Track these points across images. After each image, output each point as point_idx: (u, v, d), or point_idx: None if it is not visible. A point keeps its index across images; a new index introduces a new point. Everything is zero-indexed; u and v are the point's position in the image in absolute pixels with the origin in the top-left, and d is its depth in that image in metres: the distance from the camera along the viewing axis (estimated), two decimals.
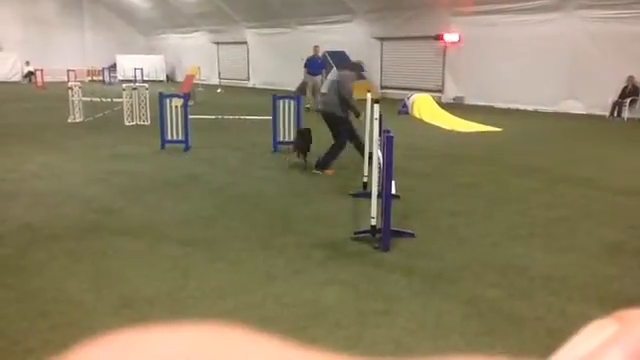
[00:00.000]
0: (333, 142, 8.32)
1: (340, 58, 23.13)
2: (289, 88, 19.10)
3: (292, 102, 10.07)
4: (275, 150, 10.00)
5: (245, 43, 31.16)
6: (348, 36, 23.89)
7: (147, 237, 5.45)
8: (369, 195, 5.73)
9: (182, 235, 5.53)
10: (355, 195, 6.89)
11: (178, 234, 5.56)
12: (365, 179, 7.01)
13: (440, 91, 20.81)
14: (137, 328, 0.24)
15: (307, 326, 3.70)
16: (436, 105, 16.26)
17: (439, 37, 20.72)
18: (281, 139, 10.06)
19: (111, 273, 4.60)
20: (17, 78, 33.40)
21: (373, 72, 23.37)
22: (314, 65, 17.41)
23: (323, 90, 9.37)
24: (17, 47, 33.98)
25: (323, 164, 8.27)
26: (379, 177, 5.33)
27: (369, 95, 6.76)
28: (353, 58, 23.15)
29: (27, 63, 33.30)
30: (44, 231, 5.62)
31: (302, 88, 18.35)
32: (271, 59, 28.57)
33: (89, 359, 0.23)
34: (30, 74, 32.22)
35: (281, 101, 10.11)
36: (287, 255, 4.99)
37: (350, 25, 24.34)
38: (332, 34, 24.42)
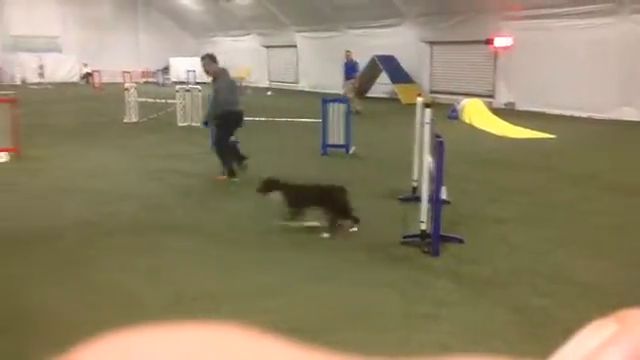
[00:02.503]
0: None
1: (389, 62, 23.10)
2: (337, 91, 19.17)
3: (342, 105, 10.14)
4: (324, 153, 10.08)
5: (294, 46, 31.44)
6: (397, 40, 23.79)
7: (198, 235, 5.60)
8: (418, 200, 5.74)
9: (231, 234, 5.66)
10: (404, 199, 6.89)
11: (227, 233, 5.69)
12: (414, 184, 7.00)
13: (491, 96, 20.47)
14: (138, 328, 0.24)
15: (352, 328, 3.74)
16: (487, 110, 16.03)
17: (489, 41, 20.42)
18: (330, 142, 10.13)
19: (164, 269, 4.76)
20: (75, 79, 34.63)
21: (422, 76, 23.22)
22: (347, 69, 17.70)
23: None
24: (76, 49, 35.26)
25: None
26: (429, 182, 5.33)
27: (420, 99, 6.75)
28: (403, 62, 23.15)
29: (85, 65, 34.50)
30: (101, 227, 5.84)
31: (357, 91, 18.50)
32: (320, 62, 28.70)
33: (91, 359, 0.23)
34: (87, 75, 33.38)
35: (330, 104, 10.19)
36: (333, 257, 5.04)
37: (399, 29, 24.25)
38: (381, 38, 24.38)
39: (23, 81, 32.39)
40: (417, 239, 5.27)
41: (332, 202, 5.73)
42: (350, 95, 16.71)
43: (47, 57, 34.76)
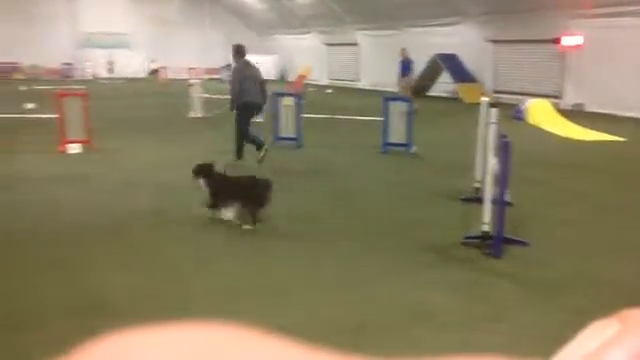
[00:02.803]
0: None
1: (451, 61, 22.78)
2: (394, 89, 19.10)
3: (403, 104, 10.10)
4: (384, 151, 10.06)
5: (355, 44, 31.45)
6: (459, 38, 23.43)
7: (257, 229, 5.70)
8: (480, 200, 5.66)
9: (290, 229, 5.75)
10: (465, 200, 6.81)
11: (287, 228, 5.79)
12: (477, 184, 6.91)
13: (558, 97, 19.87)
14: (138, 328, 0.25)
15: (412, 327, 3.75)
16: (553, 111, 15.58)
17: (557, 40, 19.81)
18: (391, 140, 10.11)
19: (220, 259, 4.89)
20: (143, 75, 35.83)
21: (485, 76, 22.77)
22: (403, 67, 17.84)
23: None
24: (144, 46, 36.48)
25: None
26: (493, 183, 5.26)
27: (485, 99, 6.65)
28: (465, 61, 22.78)
29: (152, 61, 35.64)
30: (170, 218, 6.05)
31: (413, 89, 18.45)
32: (381, 60, 28.59)
33: (92, 359, 0.23)
34: (154, 71, 34.47)
35: (392, 102, 10.17)
36: (393, 256, 5.05)
37: (461, 27, 23.87)
38: (442, 36, 24.08)
39: (93, 76, 33.75)
40: (479, 240, 5.21)
41: (254, 195, 5.70)
42: (405, 93, 16.75)
43: (117, 53, 36.13)
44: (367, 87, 29.64)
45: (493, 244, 5.02)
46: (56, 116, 10.17)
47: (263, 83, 9.04)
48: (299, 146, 10.46)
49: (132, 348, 0.24)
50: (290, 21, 35.43)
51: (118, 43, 36.51)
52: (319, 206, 6.66)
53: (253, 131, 9.08)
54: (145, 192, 7.17)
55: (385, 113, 10.11)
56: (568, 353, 0.24)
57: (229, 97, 8.91)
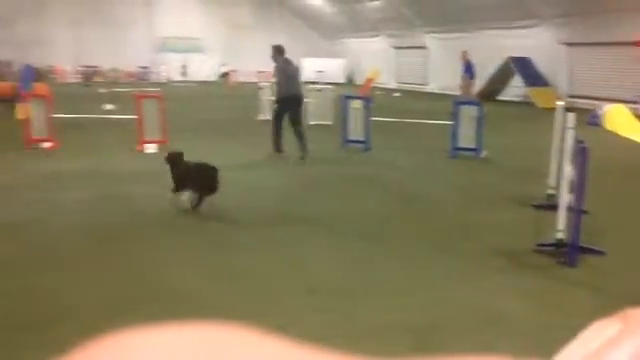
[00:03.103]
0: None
1: (524, 65, 22.20)
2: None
3: (473, 107, 9.96)
4: (453, 155, 9.95)
5: (424, 48, 31.19)
6: (532, 41, 22.83)
7: (329, 230, 5.80)
8: (553, 207, 5.54)
9: (361, 230, 5.80)
10: (538, 206, 6.65)
11: (358, 229, 5.84)
12: (550, 191, 6.74)
13: (637, 102, 19.02)
14: (139, 328, 0.25)
15: (483, 331, 3.72)
16: (632, 117, 14.94)
17: (637, 43, 18.96)
18: (460, 145, 9.98)
19: (298, 259, 5.00)
20: (214, 78, 36.83)
21: (558, 80, 22.07)
22: (465, 69, 17.97)
23: None
24: (216, 50, 37.52)
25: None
26: (568, 190, 5.13)
27: (560, 103, 6.49)
28: (539, 65, 22.15)
29: (223, 64, 36.59)
30: (241, 216, 6.24)
31: (480, 93, 18.29)
32: (450, 64, 28.23)
33: (93, 359, 0.24)
34: (225, 75, 35.37)
35: (462, 107, 10.05)
36: (464, 260, 5.01)
37: (535, 30, 23.24)
38: (515, 39, 23.52)
39: (167, 79, 34.98)
40: (552, 248, 5.09)
41: (204, 180, 6.31)
42: (467, 95, 16.83)
43: (190, 57, 37.31)
44: (435, 91, 29.33)
45: (568, 252, 4.89)
46: (134, 117, 10.62)
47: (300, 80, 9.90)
48: (367, 149, 10.50)
49: (132, 348, 0.24)
50: (359, 25, 35.51)
51: (192, 47, 37.71)
52: (388, 208, 6.68)
53: (298, 131, 9.56)
54: (219, 190, 7.39)
55: (455, 117, 10.00)
56: (569, 353, 0.24)
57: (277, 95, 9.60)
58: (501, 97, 23.27)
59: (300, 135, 9.51)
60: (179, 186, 6.44)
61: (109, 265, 4.75)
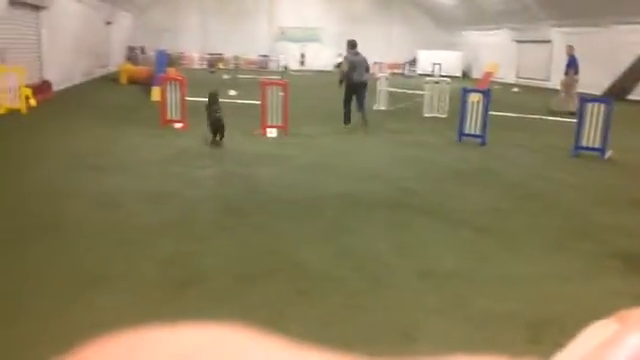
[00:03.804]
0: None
1: None
2: (591, 91, 17.89)
3: (602, 105, 9.53)
4: (575, 155, 9.60)
5: (548, 42, 29.80)
6: None
7: (445, 219, 5.90)
8: None
9: (477, 222, 5.84)
10: None
11: (474, 221, 5.89)
12: None
13: None
14: (140, 328, 0.25)
15: None
16: None
17: None
18: (584, 144, 9.60)
19: (413, 244, 5.16)
20: (330, 68, 37.44)
21: None
22: (568, 64, 17.35)
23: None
24: (334, 40, 38.10)
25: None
26: None
27: None
28: None
29: (339, 54, 37.04)
30: (358, 200, 6.49)
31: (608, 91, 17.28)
32: (578, 60, 26.85)
33: (95, 359, 0.24)
34: (341, 64, 35.78)
35: (589, 104, 9.64)
36: (583, 259, 4.93)
37: None
38: None
39: (286, 68, 36.04)
40: None
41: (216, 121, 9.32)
42: (564, 92, 16.05)
43: (308, 47, 38.22)
44: (558, 87, 27.98)
45: None
46: (256, 102, 11.18)
47: (367, 68, 11.77)
48: (483, 144, 10.37)
49: (133, 348, 0.24)
50: (480, 17, 34.53)
51: (310, 37, 38.59)
52: (504, 203, 6.65)
53: (361, 108, 11.53)
54: (334, 175, 7.71)
55: (581, 114, 9.61)
56: (567, 353, 0.24)
57: (341, 77, 11.85)
58: (633, 97, 21.83)
59: (363, 112, 11.48)
60: (210, 127, 9.36)
61: (237, 235, 5.17)
